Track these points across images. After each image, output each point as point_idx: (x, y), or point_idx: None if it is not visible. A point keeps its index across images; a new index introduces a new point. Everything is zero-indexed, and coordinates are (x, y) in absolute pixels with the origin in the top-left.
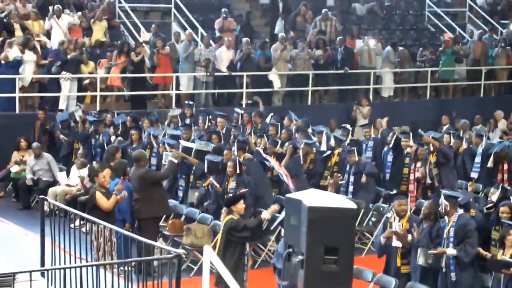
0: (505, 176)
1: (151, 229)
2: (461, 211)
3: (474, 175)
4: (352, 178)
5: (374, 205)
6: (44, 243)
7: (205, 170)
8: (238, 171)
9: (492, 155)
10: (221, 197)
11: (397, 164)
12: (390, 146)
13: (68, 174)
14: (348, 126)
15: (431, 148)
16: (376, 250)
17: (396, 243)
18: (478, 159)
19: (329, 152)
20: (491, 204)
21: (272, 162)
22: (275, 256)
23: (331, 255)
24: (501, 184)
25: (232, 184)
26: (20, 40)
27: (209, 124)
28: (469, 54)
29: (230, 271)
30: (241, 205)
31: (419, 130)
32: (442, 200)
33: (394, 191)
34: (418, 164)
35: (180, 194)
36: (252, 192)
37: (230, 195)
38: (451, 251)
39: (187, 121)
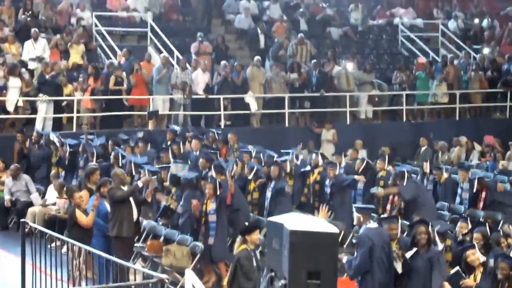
0: (481, 204)
1: (120, 249)
2: (372, 224)
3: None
4: (328, 190)
5: (354, 227)
6: (25, 266)
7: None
8: (218, 193)
9: (476, 180)
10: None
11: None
12: (359, 171)
13: (45, 194)
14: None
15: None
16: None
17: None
18: (465, 195)
19: (308, 168)
20: (467, 231)
21: None
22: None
23: (314, 279)
24: (468, 219)
25: (211, 206)
26: (7, 67)
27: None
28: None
29: None
30: (256, 235)
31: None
32: (355, 213)
33: (385, 215)
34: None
35: None
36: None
37: (210, 216)
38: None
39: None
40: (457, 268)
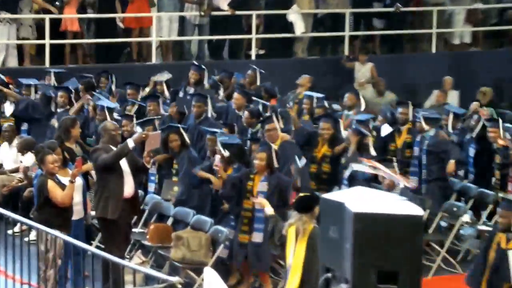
0: None
1: (109, 235)
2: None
3: None
4: (424, 159)
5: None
6: None
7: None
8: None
9: None
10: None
11: (482, 162)
12: (473, 135)
13: None
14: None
15: None
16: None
17: None
18: None
19: (389, 130)
20: None
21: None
22: None
23: (388, 283)
24: None
25: (261, 186)
26: None
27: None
28: None
29: None
30: None
31: None
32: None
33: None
34: None
35: (152, 188)
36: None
37: (258, 198)
38: None
39: (191, 91)
40: None
